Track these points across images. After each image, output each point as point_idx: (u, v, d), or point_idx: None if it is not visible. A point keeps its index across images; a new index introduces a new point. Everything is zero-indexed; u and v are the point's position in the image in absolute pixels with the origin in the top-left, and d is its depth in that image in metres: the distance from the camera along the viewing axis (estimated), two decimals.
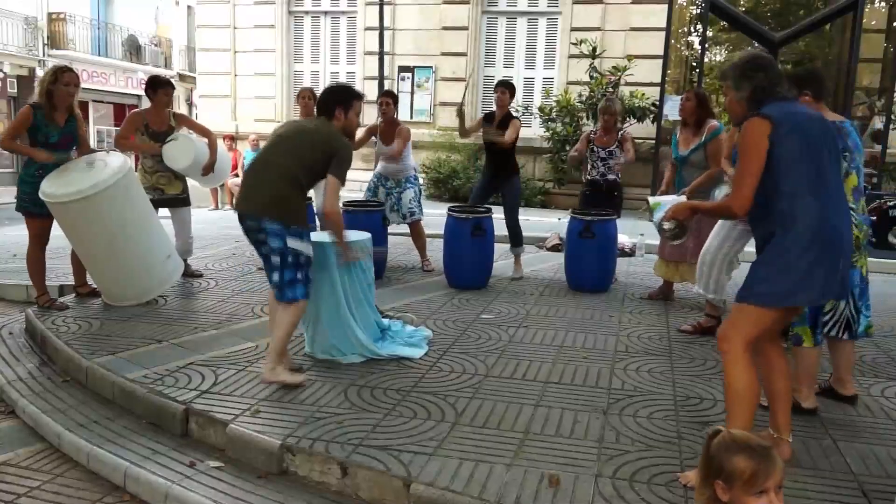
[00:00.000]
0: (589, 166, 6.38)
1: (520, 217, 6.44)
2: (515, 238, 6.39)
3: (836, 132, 3.05)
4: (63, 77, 4.77)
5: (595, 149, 6.28)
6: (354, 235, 4.18)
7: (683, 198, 4.48)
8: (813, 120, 2.77)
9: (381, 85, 12.10)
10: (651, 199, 3.92)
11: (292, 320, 3.62)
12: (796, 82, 3.43)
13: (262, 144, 11.86)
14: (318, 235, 4.05)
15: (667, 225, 3.10)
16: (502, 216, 6.30)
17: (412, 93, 13.86)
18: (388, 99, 6.51)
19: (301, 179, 3.60)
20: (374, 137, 6.57)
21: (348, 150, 3.68)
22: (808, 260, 2.61)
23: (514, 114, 6.53)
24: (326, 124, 3.73)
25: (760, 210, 2.69)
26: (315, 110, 3.92)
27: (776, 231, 2.67)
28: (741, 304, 2.74)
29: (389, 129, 6.42)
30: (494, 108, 6.32)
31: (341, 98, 3.77)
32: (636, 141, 6.51)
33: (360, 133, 6.68)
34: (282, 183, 3.55)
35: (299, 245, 3.57)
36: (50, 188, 4.61)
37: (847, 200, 2.81)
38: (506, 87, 6.25)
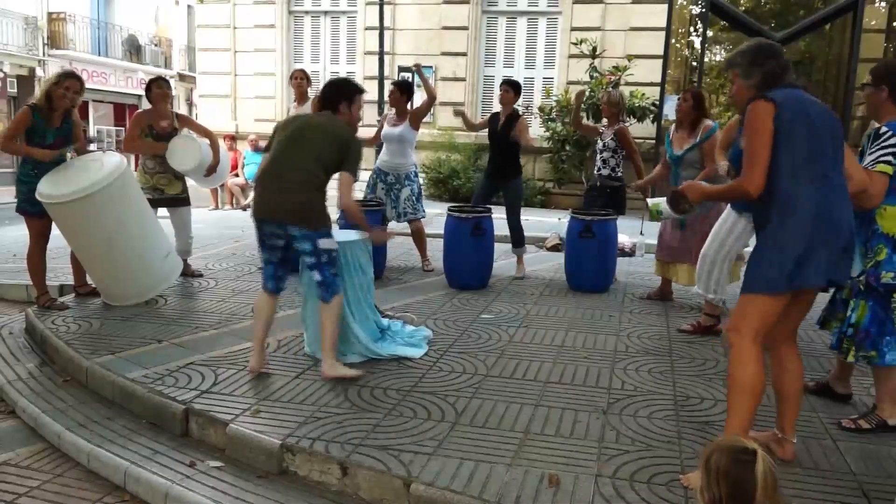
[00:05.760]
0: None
1: (520, 217, 6.44)
2: (518, 239, 6.39)
3: None
4: (64, 82, 4.78)
5: (597, 141, 6.31)
6: (355, 235, 4.19)
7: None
8: (816, 107, 2.75)
9: (380, 85, 12.10)
10: (650, 202, 3.92)
11: (338, 313, 3.74)
12: (874, 75, 3.23)
13: (262, 144, 11.83)
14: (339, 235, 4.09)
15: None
16: (503, 216, 6.30)
17: (412, 93, 13.84)
18: (397, 92, 6.48)
19: (321, 178, 3.63)
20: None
21: (360, 144, 3.75)
22: (809, 243, 2.60)
23: (520, 112, 6.51)
24: (333, 118, 3.75)
25: (763, 193, 2.66)
26: (318, 101, 3.93)
27: (775, 215, 2.66)
28: (747, 293, 2.73)
29: (398, 115, 6.42)
30: (499, 107, 6.33)
31: (345, 92, 3.81)
32: (636, 140, 6.51)
33: (371, 132, 6.73)
34: (304, 188, 3.58)
35: (329, 243, 3.65)
36: (46, 189, 4.61)
37: (847, 189, 2.75)
38: (509, 86, 6.26)
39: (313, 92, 6.58)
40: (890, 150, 3.04)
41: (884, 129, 3.09)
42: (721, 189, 3.09)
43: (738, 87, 2.85)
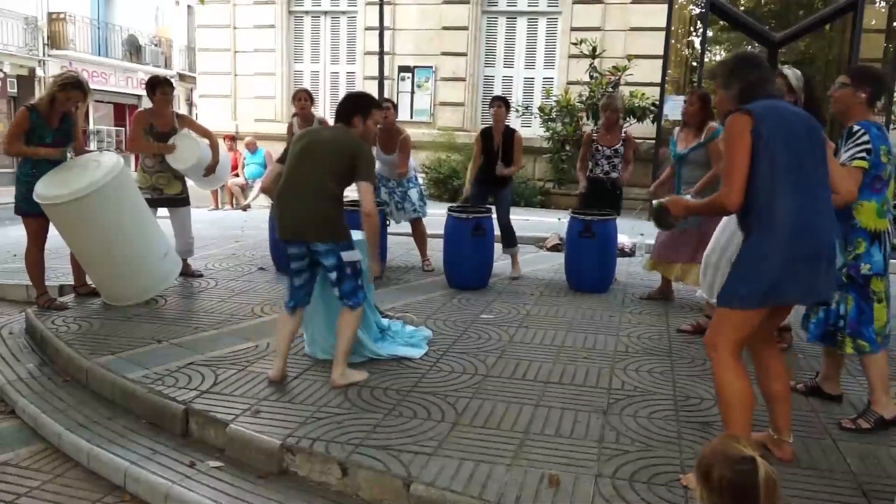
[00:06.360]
0: (592, 164, 6.38)
1: (520, 217, 6.48)
2: (509, 239, 6.45)
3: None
4: (69, 92, 4.75)
5: (600, 147, 6.30)
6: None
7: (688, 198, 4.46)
8: (798, 117, 2.73)
9: (380, 85, 12.10)
10: (655, 203, 3.92)
11: (356, 323, 3.75)
12: (855, 77, 3.30)
13: (260, 146, 11.71)
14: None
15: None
16: None
17: (412, 93, 13.83)
18: (388, 104, 6.45)
19: (337, 192, 3.65)
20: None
21: (370, 153, 3.79)
22: (786, 259, 2.56)
23: (512, 124, 6.54)
24: (344, 130, 3.75)
25: (742, 206, 2.65)
26: (334, 117, 3.93)
27: (754, 227, 2.63)
28: (722, 307, 2.70)
29: (389, 136, 6.35)
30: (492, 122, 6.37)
31: (360, 106, 3.80)
32: (636, 141, 6.53)
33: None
34: (322, 203, 3.60)
35: (352, 255, 3.67)
36: (44, 190, 4.61)
37: (830, 201, 2.75)
38: (502, 103, 6.33)
39: (315, 109, 6.46)
40: (864, 146, 3.16)
41: (856, 127, 3.21)
42: (702, 204, 3.11)
43: (720, 97, 2.87)
